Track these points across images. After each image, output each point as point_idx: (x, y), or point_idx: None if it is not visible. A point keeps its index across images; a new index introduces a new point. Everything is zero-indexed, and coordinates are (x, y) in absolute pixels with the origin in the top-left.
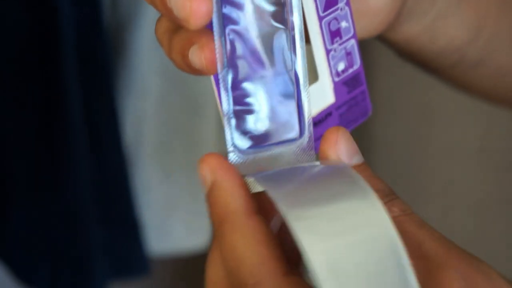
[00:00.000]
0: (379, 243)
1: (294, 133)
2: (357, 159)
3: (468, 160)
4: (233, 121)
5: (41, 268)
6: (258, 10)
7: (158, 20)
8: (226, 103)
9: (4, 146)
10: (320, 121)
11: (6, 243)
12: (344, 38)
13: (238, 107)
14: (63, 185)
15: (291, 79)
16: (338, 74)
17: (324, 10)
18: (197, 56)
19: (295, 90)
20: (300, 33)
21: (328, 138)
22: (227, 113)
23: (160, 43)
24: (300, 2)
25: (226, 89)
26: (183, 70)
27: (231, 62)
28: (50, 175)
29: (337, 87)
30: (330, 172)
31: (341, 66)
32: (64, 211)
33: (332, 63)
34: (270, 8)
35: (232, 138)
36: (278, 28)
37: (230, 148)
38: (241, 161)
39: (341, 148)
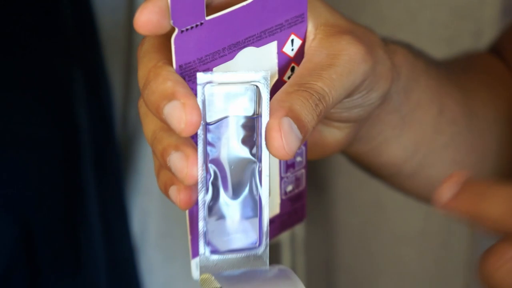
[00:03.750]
0: None
1: (254, 243)
2: None
3: (412, 240)
4: (204, 231)
5: None
6: (233, 145)
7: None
8: (202, 220)
9: (36, 236)
10: None
11: None
12: (296, 169)
13: (210, 223)
14: (83, 267)
15: (255, 202)
16: (285, 194)
17: None
18: (174, 196)
19: (258, 211)
20: (266, 166)
21: None
22: (202, 229)
23: (154, 163)
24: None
25: (203, 208)
26: (163, 193)
27: (207, 187)
28: (73, 259)
29: (283, 203)
30: (275, 273)
31: (289, 188)
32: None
33: (282, 186)
34: (243, 144)
35: (203, 246)
36: (249, 160)
37: (201, 251)
38: (210, 263)
39: None
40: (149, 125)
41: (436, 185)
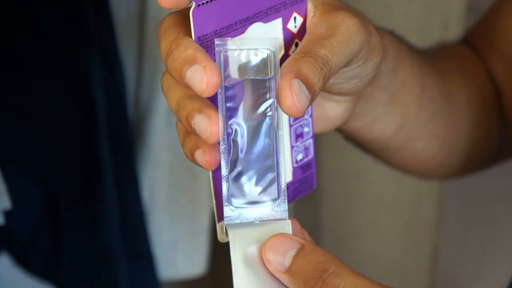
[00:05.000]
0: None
1: (273, 196)
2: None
3: (386, 207)
4: (228, 185)
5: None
6: (249, 104)
7: (177, 122)
8: (225, 170)
9: (59, 202)
10: None
11: (59, 270)
12: (304, 139)
13: (232, 176)
14: (100, 228)
15: (272, 156)
16: (297, 162)
17: (294, 121)
18: (200, 158)
19: (276, 165)
20: (280, 123)
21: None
22: (225, 177)
23: (178, 133)
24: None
25: (226, 162)
26: (189, 160)
27: (229, 143)
28: (91, 222)
29: (295, 170)
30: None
31: (299, 157)
32: (100, 247)
33: (294, 155)
34: (258, 104)
35: (227, 197)
36: (264, 118)
37: (225, 204)
38: (234, 213)
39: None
40: (172, 96)
41: (419, 157)
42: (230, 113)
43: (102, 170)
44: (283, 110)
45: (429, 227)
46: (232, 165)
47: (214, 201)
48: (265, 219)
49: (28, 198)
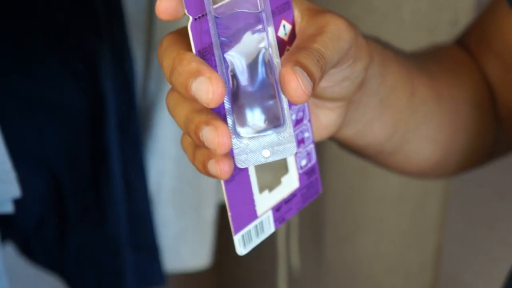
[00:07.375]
0: None
1: (278, 123)
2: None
3: (391, 204)
4: (232, 118)
5: (88, 279)
6: (243, 37)
7: (183, 134)
8: (228, 104)
9: (65, 192)
10: (288, 200)
11: (64, 261)
12: (306, 144)
13: (235, 108)
14: (106, 219)
15: (272, 85)
16: (301, 168)
17: (294, 126)
18: (213, 168)
19: (277, 93)
20: (276, 50)
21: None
22: (229, 110)
23: (185, 151)
24: (273, 32)
25: (228, 96)
26: (202, 173)
27: (228, 77)
28: (97, 213)
29: (300, 176)
30: None
31: (303, 162)
32: (106, 238)
33: (297, 161)
34: (252, 36)
35: (233, 129)
36: (259, 49)
37: (233, 136)
38: (242, 145)
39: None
40: (180, 113)
41: (413, 159)
42: (225, 45)
43: (110, 161)
44: (288, 96)
45: (433, 224)
46: (234, 98)
47: (229, 213)
48: (274, 146)
49: (34, 187)
